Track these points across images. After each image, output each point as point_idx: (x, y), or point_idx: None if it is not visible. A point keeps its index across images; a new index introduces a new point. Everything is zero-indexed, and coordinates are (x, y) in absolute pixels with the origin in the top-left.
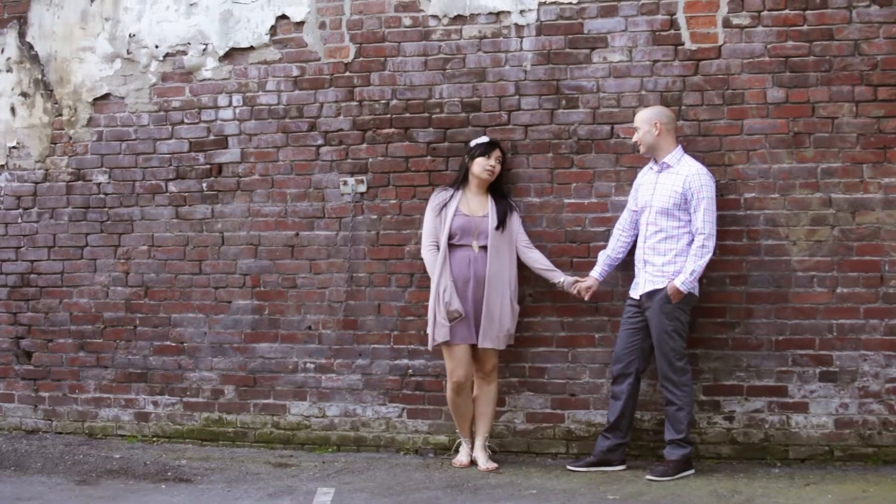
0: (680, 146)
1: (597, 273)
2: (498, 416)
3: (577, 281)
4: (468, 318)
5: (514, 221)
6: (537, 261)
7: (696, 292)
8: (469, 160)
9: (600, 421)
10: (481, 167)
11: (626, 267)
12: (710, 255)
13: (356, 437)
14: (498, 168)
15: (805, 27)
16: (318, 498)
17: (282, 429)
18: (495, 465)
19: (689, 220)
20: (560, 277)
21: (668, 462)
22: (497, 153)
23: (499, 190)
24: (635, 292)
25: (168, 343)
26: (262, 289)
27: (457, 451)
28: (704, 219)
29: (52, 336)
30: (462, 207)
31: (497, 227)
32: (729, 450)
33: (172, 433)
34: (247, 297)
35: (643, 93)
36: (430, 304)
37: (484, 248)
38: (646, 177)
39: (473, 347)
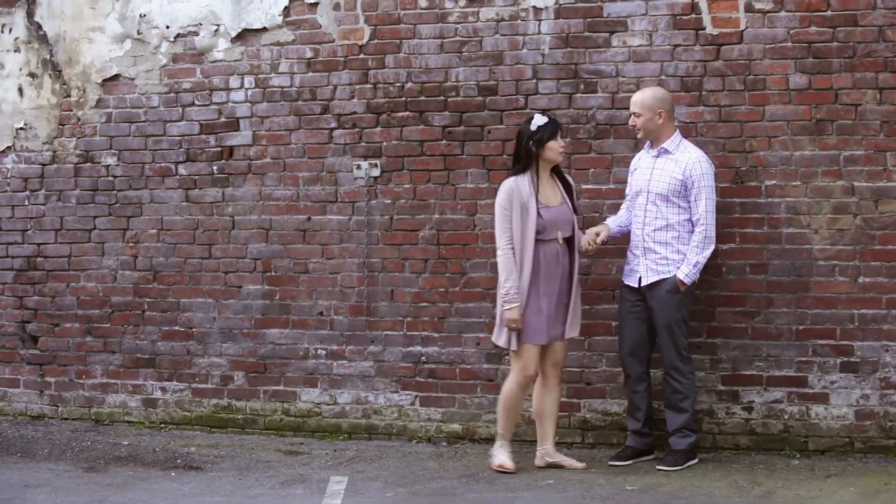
0: (678, 131)
1: (612, 223)
2: None
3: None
4: (549, 314)
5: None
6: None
7: (696, 279)
8: (537, 146)
9: (617, 410)
10: (556, 151)
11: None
12: (713, 245)
13: (368, 424)
14: None
15: (829, 12)
16: (331, 486)
17: (292, 416)
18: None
19: (688, 208)
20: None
21: (676, 452)
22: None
23: (557, 170)
24: (633, 280)
25: (177, 328)
26: (273, 274)
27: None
28: (706, 208)
29: (58, 320)
30: (542, 199)
31: (574, 210)
32: (747, 440)
33: (180, 420)
34: (257, 282)
35: (663, 77)
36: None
37: (567, 239)
38: (641, 161)
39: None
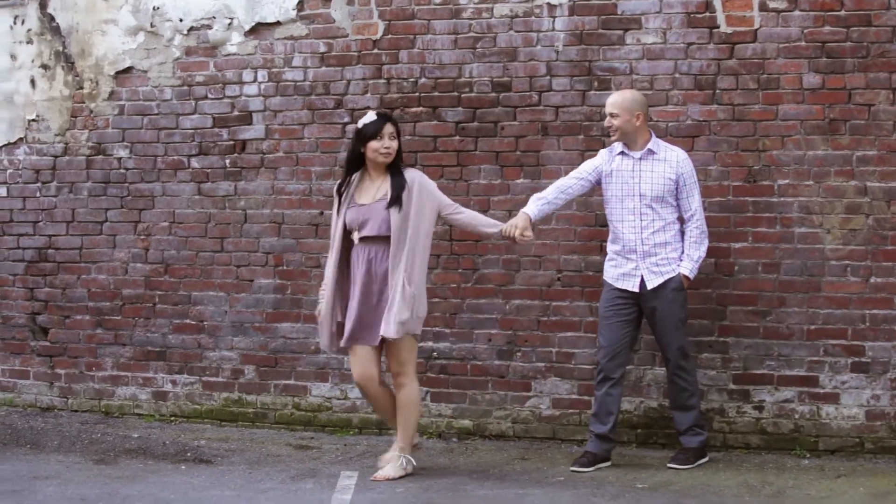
0: (653, 133)
1: (531, 211)
2: (524, 402)
3: (515, 228)
4: (359, 318)
5: (419, 195)
6: (473, 219)
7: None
8: (361, 144)
9: (627, 408)
10: (376, 151)
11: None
12: (707, 238)
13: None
14: (395, 146)
15: (843, 12)
16: (341, 482)
17: (303, 410)
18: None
19: (678, 206)
20: (496, 228)
21: (687, 450)
22: (390, 129)
23: (395, 166)
24: (630, 285)
25: (188, 321)
26: (285, 268)
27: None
28: (699, 202)
29: (69, 312)
30: (357, 197)
31: (390, 207)
32: (758, 440)
33: (191, 413)
34: (269, 275)
35: (677, 75)
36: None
37: (375, 238)
38: (619, 163)
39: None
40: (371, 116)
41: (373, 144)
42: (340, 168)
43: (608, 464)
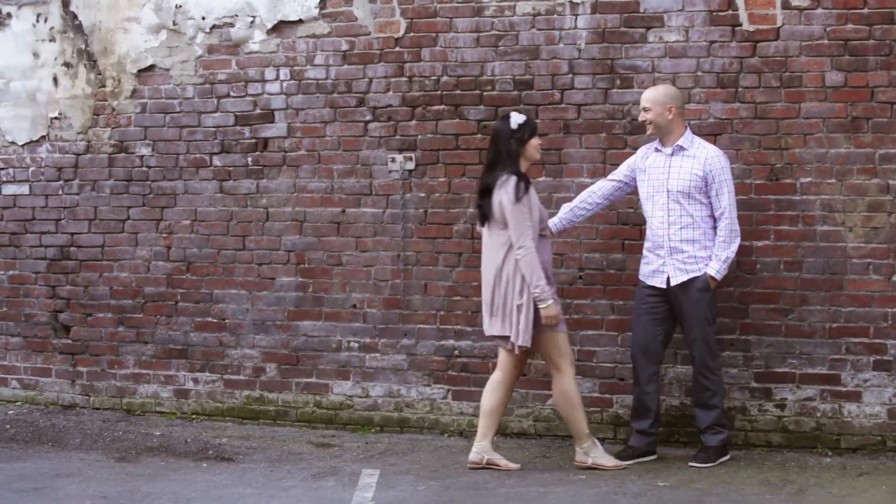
0: (689, 128)
1: (553, 226)
2: (545, 400)
3: None
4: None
5: None
6: None
7: (725, 273)
8: (519, 144)
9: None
10: (536, 148)
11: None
12: (738, 238)
13: (399, 418)
14: None
15: (865, 10)
16: (363, 479)
17: (324, 408)
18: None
19: (709, 203)
20: None
21: (708, 448)
22: None
23: None
24: (658, 281)
25: (210, 319)
26: (307, 266)
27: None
28: (730, 201)
29: (91, 310)
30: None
31: None
32: (779, 438)
33: (212, 411)
34: (291, 274)
35: (699, 73)
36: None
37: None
38: (652, 159)
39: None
40: (522, 117)
41: (534, 142)
42: (363, 166)
43: (653, 457)
